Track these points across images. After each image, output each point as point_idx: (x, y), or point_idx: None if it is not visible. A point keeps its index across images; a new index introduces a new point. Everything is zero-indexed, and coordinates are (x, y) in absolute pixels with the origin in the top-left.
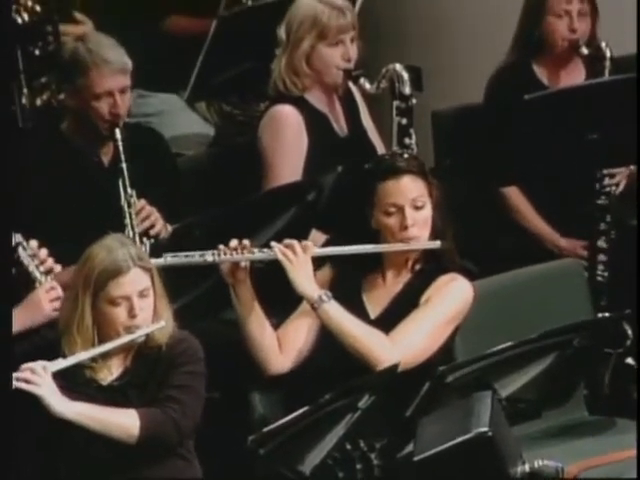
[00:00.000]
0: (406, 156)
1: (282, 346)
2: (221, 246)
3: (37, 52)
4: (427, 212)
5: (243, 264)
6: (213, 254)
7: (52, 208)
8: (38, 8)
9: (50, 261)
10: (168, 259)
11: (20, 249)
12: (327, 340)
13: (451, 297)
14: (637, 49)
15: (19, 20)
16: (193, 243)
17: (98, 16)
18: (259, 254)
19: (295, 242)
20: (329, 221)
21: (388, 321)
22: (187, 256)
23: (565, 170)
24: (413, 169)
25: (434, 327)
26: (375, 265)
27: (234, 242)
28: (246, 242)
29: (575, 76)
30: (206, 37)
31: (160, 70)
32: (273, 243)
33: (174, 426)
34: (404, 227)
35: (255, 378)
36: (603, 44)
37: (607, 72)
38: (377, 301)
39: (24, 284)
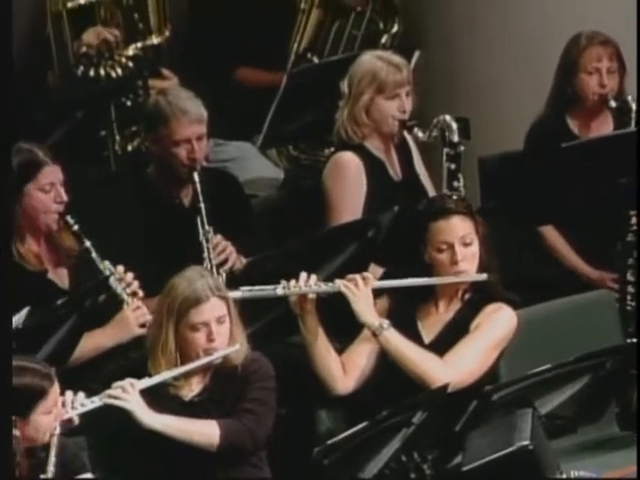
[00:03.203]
0: (455, 198)
1: (346, 369)
2: (292, 281)
3: (128, 103)
4: (475, 248)
5: (310, 296)
6: (284, 287)
7: (140, 244)
8: (131, 64)
9: (136, 284)
10: (244, 293)
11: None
12: (386, 363)
13: (498, 325)
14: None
15: (113, 74)
16: (265, 275)
17: (183, 72)
18: (324, 287)
19: (357, 276)
20: (386, 255)
21: (441, 345)
22: (260, 289)
23: (596, 210)
24: (461, 210)
25: (482, 352)
26: (428, 295)
27: (303, 275)
28: (313, 277)
29: (604, 127)
30: (274, 89)
31: (236, 121)
32: (337, 280)
33: (250, 435)
34: (454, 262)
35: (321, 396)
36: (629, 98)
37: (633, 123)
38: (431, 328)
39: (110, 306)
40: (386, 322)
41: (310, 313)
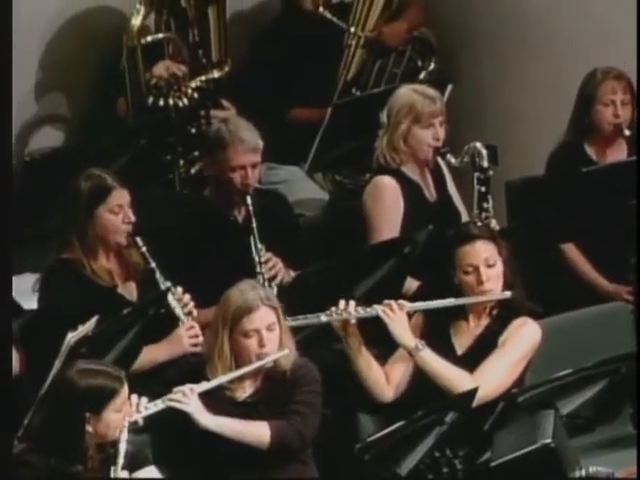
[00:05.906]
0: (479, 224)
1: (388, 379)
2: (333, 308)
3: (193, 130)
4: (498, 269)
5: (352, 321)
6: (327, 314)
7: (198, 259)
8: (196, 95)
9: (192, 305)
10: (290, 322)
11: (169, 293)
12: (422, 375)
13: (523, 339)
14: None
15: (180, 104)
16: (310, 287)
17: (240, 104)
18: (363, 312)
19: (393, 302)
20: (421, 270)
21: (472, 358)
22: (305, 318)
23: (612, 228)
24: (484, 235)
25: (510, 366)
26: (460, 312)
27: (342, 304)
28: (352, 302)
29: (619, 153)
30: (322, 121)
31: (286, 147)
32: (375, 305)
33: (298, 434)
34: (480, 282)
35: (362, 401)
36: None
37: None
38: (463, 342)
39: (168, 322)
40: (421, 343)
41: (353, 335)
